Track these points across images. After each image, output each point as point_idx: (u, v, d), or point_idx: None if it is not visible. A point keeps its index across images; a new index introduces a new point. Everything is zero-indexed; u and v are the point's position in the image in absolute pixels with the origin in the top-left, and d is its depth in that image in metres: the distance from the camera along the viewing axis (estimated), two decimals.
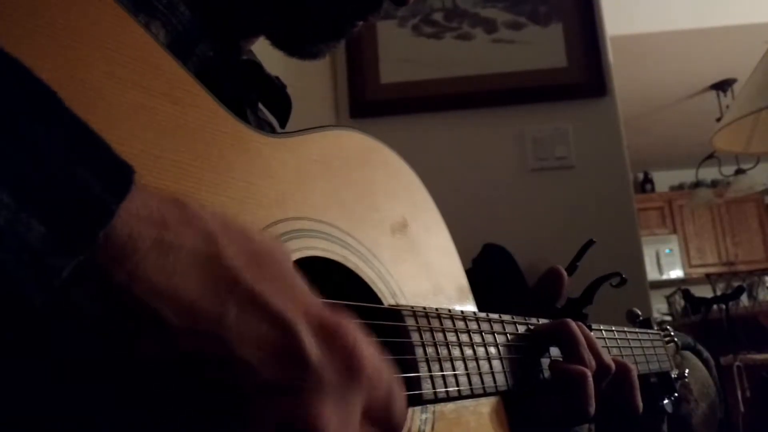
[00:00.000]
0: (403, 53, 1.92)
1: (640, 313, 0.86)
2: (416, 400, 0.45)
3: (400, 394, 0.30)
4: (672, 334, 0.89)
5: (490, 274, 1.64)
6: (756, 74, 1.72)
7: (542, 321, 0.61)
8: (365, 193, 0.51)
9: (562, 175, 1.85)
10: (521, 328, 0.59)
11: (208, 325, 0.23)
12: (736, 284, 3.39)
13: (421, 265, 0.55)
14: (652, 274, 5.37)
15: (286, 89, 0.63)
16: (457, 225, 0.64)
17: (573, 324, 0.58)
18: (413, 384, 0.45)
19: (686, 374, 0.86)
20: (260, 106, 0.62)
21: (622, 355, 0.71)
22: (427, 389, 0.46)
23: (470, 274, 0.62)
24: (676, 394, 0.83)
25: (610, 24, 1.95)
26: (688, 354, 1.08)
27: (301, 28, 0.53)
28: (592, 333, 0.64)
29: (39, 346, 0.22)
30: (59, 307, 0.21)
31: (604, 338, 0.69)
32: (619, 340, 0.73)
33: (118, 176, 0.23)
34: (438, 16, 1.94)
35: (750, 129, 1.84)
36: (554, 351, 0.60)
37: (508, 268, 1.69)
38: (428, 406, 0.47)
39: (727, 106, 4.17)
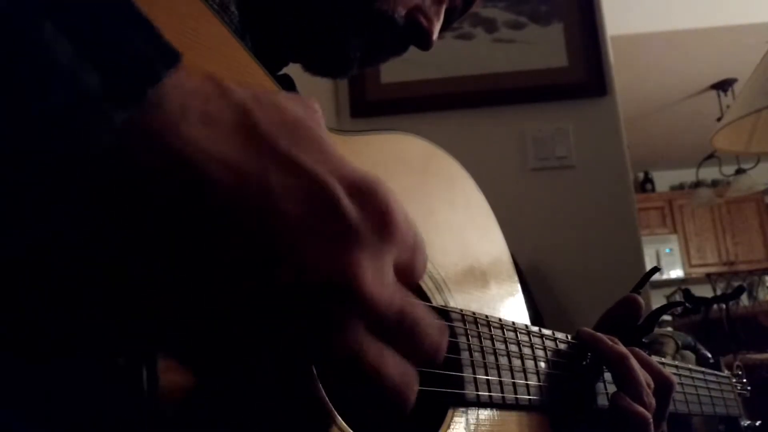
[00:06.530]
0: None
1: (710, 355, 0.82)
2: (458, 400, 0.46)
3: (424, 254, 0.32)
4: (744, 381, 0.82)
5: None
6: (756, 74, 1.72)
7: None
8: (422, 196, 0.53)
9: (563, 175, 1.85)
10: (575, 349, 0.57)
11: (254, 180, 0.26)
12: (736, 284, 3.39)
13: (473, 271, 0.56)
14: None
15: None
16: None
17: (635, 363, 0.56)
18: (456, 384, 0.46)
19: (757, 425, 0.80)
20: None
21: (684, 393, 0.68)
22: (470, 390, 0.46)
23: None
24: None
25: (610, 24, 1.95)
26: (688, 354, 1.08)
27: (332, 59, 0.58)
28: None
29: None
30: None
31: None
32: (682, 377, 0.69)
33: (169, 51, 0.25)
34: None
35: (750, 129, 1.84)
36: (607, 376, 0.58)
37: None
38: (468, 412, 0.47)
39: (728, 106, 4.17)
